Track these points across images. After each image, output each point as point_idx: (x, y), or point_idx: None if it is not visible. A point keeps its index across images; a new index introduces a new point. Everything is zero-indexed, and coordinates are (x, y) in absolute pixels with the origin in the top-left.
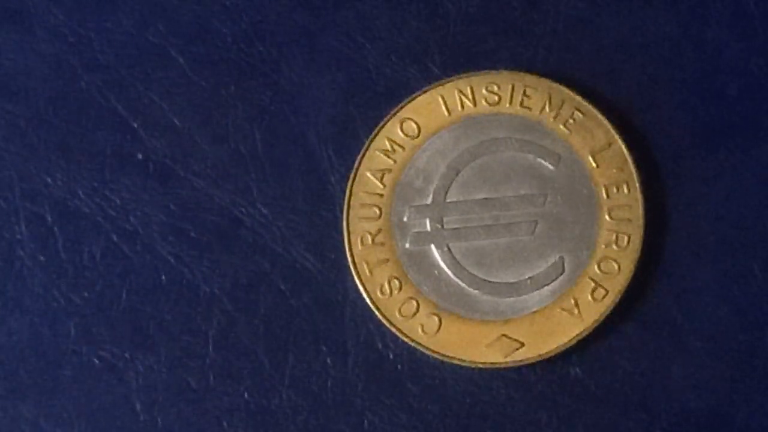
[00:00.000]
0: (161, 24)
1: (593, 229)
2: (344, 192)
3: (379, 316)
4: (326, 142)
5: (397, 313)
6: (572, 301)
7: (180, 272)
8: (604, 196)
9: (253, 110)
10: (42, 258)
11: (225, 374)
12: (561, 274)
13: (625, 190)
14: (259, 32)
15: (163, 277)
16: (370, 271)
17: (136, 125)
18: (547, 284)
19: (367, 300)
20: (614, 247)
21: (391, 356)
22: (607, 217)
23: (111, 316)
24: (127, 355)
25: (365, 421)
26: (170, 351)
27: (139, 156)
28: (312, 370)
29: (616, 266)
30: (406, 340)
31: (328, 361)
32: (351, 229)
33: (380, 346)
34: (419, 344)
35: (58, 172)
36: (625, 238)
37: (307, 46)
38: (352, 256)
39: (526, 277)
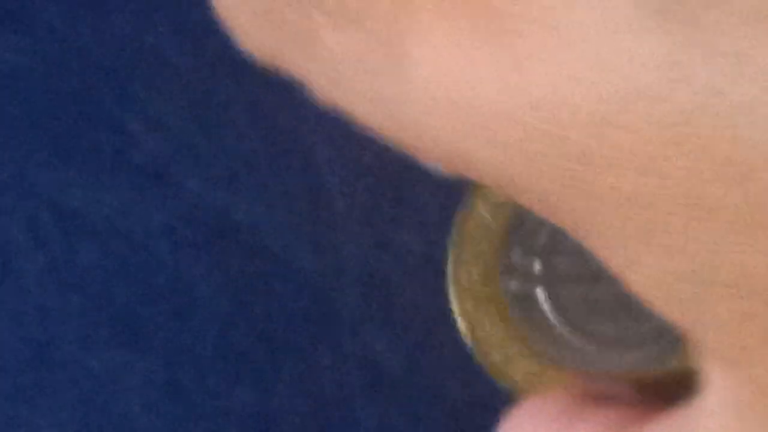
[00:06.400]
0: (160, 24)
1: None
2: (342, 193)
3: (478, 356)
4: (325, 144)
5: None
6: None
7: (178, 273)
8: None
9: (252, 111)
10: (40, 259)
11: (224, 375)
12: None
13: None
14: None
15: (162, 279)
16: (474, 309)
17: (134, 126)
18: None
19: (468, 337)
20: None
21: (389, 357)
22: None
23: (109, 318)
24: (126, 356)
25: (364, 422)
26: (169, 352)
27: (138, 157)
28: (311, 370)
29: None
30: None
31: (327, 362)
32: (458, 261)
33: (378, 347)
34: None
35: (56, 174)
36: None
37: None
38: (456, 291)
39: (632, 331)
